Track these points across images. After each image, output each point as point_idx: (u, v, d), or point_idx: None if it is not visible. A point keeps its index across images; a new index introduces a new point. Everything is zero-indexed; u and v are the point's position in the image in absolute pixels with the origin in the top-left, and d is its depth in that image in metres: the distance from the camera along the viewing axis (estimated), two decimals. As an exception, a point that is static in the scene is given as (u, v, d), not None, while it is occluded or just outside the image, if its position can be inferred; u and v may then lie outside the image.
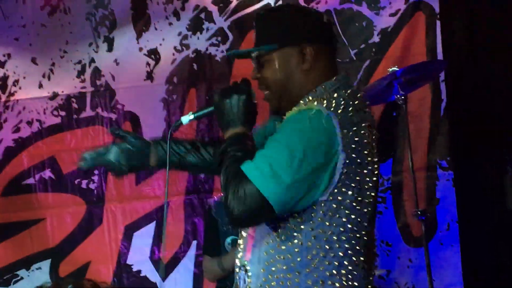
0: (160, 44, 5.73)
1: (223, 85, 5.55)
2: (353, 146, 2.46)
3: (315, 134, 2.43)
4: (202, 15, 5.68)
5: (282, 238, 2.49)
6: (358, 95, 2.58)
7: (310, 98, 2.55)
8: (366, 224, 2.52)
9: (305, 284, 2.46)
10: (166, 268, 5.59)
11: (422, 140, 5.35)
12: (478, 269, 5.25)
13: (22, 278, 5.74)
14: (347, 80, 2.63)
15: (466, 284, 5.21)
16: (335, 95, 2.52)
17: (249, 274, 2.56)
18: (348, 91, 2.55)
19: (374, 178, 2.56)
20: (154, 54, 5.74)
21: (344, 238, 2.47)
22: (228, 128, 2.55)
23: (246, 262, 2.58)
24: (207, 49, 5.67)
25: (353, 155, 2.46)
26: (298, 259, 2.46)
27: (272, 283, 2.49)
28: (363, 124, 2.51)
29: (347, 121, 2.47)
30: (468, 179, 5.33)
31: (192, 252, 5.58)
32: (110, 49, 5.78)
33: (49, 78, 5.82)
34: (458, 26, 5.39)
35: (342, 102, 2.49)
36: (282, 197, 2.40)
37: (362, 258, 2.51)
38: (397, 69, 4.54)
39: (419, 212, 4.61)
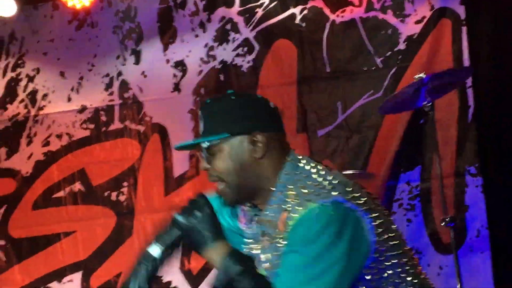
0: (187, 56, 5.77)
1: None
2: (365, 208, 2.43)
3: (338, 235, 2.37)
4: (228, 26, 5.70)
5: None
6: (324, 165, 2.56)
7: (288, 188, 2.49)
8: (405, 248, 2.52)
9: None
10: (196, 279, 5.61)
11: (450, 147, 5.33)
12: (509, 275, 5.21)
13: (54, 290, 5.80)
14: (299, 155, 2.57)
15: (497, 291, 5.19)
16: (316, 177, 2.48)
17: None
18: (321, 167, 2.52)
19: (386, 215, 2.53)
20: (181, 65, 5.77)
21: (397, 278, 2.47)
22: (208, 248, 2.47)
23: None
24: (233, 59, 5.69)
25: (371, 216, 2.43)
26: None
27: None
28: (353, 188, 2.48)
29: (346, 193, 2.43)
30: (498, 185, 5.29)
31: (222, 262, 5.58)
32: (137, 61, 5.82)
33: (77, 92, 5.87)
34: (485, 32, 5.37)
35: (329, 181, 2.45)
36: None
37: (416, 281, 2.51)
38: (424, 76, 4.52)
39: (447, 219, 4.58)
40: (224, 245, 2.49)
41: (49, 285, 5.79)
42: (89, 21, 5.88)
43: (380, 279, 2.45)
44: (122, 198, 5.76)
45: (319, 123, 5.58)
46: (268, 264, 2.52)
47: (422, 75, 4.52)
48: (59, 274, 5.78)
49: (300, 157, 2.57)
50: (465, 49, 5.34)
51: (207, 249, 2.49)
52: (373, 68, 5.48)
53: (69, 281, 5.78)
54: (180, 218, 2.50)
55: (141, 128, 5.79)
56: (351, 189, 2.46)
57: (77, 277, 5.77)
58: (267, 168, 2.54)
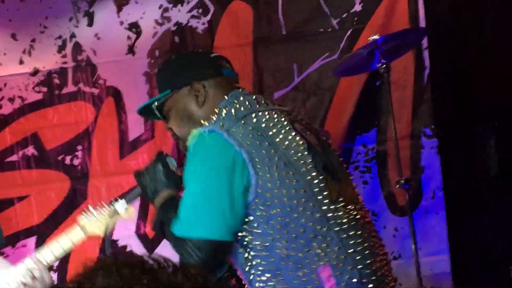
0: (141, 18, 5.68)
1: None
2: (250, 135, 2.52)
3: (209, 162, 2.52)
4: (183, -13, 5.63)
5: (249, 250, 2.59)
6: (253, 97, 2.66)
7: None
8: (325, 193, 2.57)
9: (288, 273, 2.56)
10: (152, 243, 5.59)
11: (406, 109, 5.34)
12: (463, 236, 5.26)
13: (7, 255, 5.72)
14: (238, 93, 2.67)
15: (452, 252, 5.22)
16: (229, 110, 2.60)
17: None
18: (240, 98, 2.62)
19: (305, 152, 2.60)
20: (135, 27, 5.69)
21: (295, 215, 2.54)
22: (155, 198, 2.67)
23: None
24: (188, 21, 5.62)
25: (257, 142, 2.52)
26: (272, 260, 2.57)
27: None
28: (254, 114, 2.57)
29: (230, 119, 2.56)
30: (453, 147, 5.32)
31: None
32: (90, 23, 5.72)
33: (29, 54, 5.76)
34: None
35: (225, 110, 2.59)
36: (226, 229, 2.52)
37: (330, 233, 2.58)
38: (378, 37, 4.51)
39: (403, 181, 4.60)
40: (168, 193, 2.67)
41: (3, 250, 5.73)
42: (41, -18, 5.76)
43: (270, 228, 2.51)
44: (76, 162, 5.70)
45: (276, 85, 5.55)
46: None
47: (376, 36, 4.51)
48: (13, 239, 5.72)
49: (244, 96, 2.66)
50: (421, 10, 5.32)
51: (154, 200, 2.70)
52: (329, 30, 5.45)
53: (23, 246, 5.72)
54: (135, 178, 2.77)
55: (95, 91, 5.72)
56: (250, 129, 2.54)
57: (31, 242, 5.71)
58: (209, 111, 2.66)
